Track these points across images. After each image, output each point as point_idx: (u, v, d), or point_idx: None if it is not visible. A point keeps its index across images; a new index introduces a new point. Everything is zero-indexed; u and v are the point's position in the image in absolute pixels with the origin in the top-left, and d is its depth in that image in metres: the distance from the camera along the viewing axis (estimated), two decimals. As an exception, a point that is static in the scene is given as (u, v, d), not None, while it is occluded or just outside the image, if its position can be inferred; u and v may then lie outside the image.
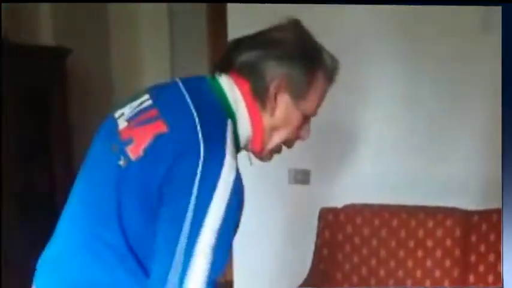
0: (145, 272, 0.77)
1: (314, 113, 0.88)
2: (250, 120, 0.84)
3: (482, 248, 1.58)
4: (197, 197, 0.72)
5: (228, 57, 0.86)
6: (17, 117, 2.02)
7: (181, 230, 0.71)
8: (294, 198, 1.96)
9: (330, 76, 0.87)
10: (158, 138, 0.77)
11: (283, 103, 0.84)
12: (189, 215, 0.71)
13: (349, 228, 1.72)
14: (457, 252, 1.61)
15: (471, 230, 1.61)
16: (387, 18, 1.75)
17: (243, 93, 0.84)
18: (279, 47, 0.84)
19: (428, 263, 1.64)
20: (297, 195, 1.95)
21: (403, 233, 1.67)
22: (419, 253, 1.64)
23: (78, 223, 0.82)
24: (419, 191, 1.77)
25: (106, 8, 2.66)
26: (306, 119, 0.88)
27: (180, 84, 0.85)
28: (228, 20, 1.92)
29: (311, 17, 0.90)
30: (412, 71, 1.79)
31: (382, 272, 1.68)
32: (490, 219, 1.58)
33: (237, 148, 0.82)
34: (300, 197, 1.95)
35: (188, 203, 0.72)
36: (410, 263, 1.66)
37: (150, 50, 2.77)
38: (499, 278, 1.53)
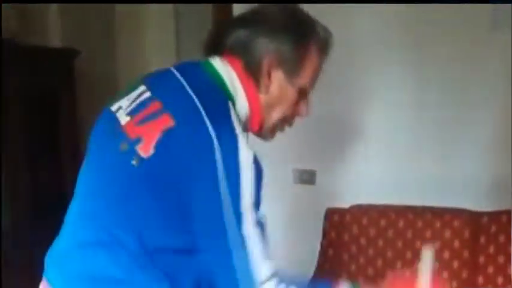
0: (159, 269, 0.77)
1: (310, 89, 0.88)
2: (247, 98, 0.84)
3: (492, 250, 1.56)
4: (227, 187, 0.73)
5: (218, 38, 0.85)
6: (26, 118, 2.04)
7: (223, 223, 0.73)
8: (300, 198, 1.96)
9: (324, 49, 0.86)
10: (167, 133, 0.77)
11: (277, 79, 0.84)
12: (226, 206, 0.73)
13: (355, 229, 1.71)
14: (466, 253, 1.59)
15: (480, 231, 1.59)
16: (392, 18, 1.75)
17: (237, 73, 0.83)
18: (268, 22, 0.83)
19: (436, 265, 1.62)
20: (303, 196, 1.95)
21: (410, 234, 1.66)
22: (427, 254, 1.64)
23: (89, 220, 0.82)
24: (426, 192, 1.76)
25: (113, 9, 2.69)
26: (302, 95, 0.87)
27: (175, 72, 0.84)
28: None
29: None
30: (420, 71, 1.77)
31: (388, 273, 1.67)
32: (500, 220, 1.56)
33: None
34: (306, 197, 1.94)
35: (219, 195, 0.73)
36: (417, 264, 1.65)
37: (157, 51, 2.78)
38: (508, 280, 1.51)
